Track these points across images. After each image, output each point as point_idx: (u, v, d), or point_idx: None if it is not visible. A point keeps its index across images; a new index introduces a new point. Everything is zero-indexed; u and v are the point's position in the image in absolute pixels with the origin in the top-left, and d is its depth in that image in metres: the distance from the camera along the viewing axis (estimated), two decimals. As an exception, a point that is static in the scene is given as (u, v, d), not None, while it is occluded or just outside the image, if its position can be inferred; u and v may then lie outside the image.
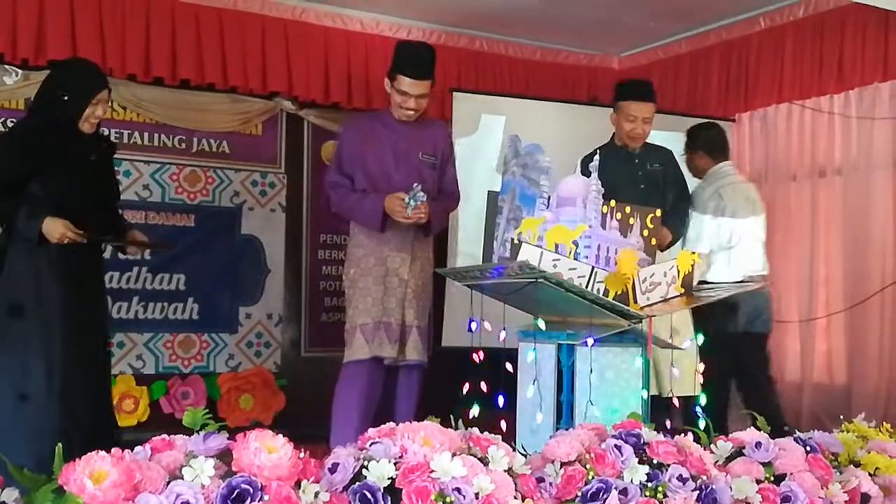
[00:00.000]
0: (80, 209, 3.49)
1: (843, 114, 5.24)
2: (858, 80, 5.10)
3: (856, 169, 5.20)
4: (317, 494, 1.75)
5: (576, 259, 3.07)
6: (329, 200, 4.26)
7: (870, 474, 2.53)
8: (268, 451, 1.71)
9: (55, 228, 3.40)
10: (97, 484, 1.59)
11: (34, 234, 3.40)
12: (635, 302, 3.04)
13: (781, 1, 5.47)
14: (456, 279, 3.59)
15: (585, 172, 3.45)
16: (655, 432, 2.29)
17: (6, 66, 4.90)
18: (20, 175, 3.47)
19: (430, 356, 4.17)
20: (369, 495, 1.79)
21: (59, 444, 1.72)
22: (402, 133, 4.11)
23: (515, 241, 3.13)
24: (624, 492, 2.09)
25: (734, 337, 4.59)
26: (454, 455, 1.90)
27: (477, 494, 1.85)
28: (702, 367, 3.51)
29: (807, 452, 2.45)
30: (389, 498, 1.80)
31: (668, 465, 2.18)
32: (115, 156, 3.90)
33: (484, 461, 1.97)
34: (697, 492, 2.16)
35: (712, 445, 2.44)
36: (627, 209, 3.26)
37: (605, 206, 3.21)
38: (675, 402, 3.40)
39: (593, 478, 2.08)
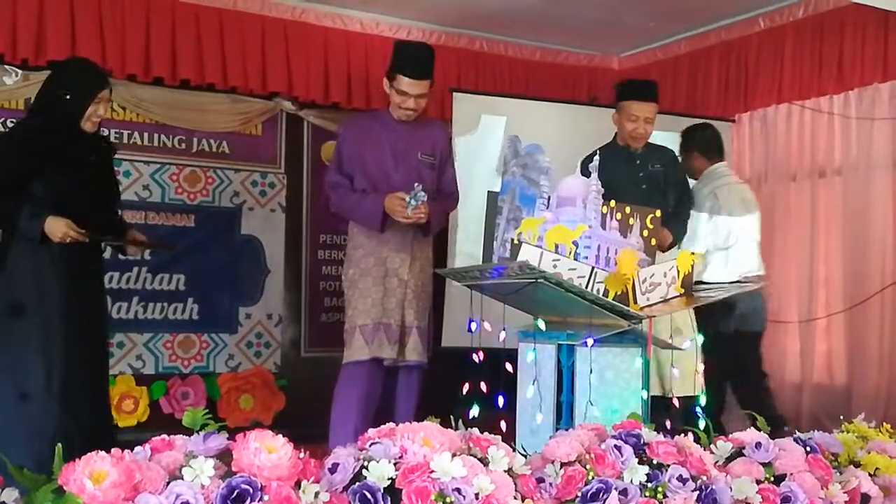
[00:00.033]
0: (79, 209, 3.49)
1: (842, 114, 5.24)
2: (858, 81, 5.10)
3: (856, 169, 5.20)
4: (317, 494, 1.75)
5: (576, 259, 3.07)
6: (328, 200, 4.26)
7: (870, 475, 2.53)
8: (268, 452, 1.71)
9: (57, 227, 3.40)
10: (97, 484, 1.59)
11: (37, 234, 3.41)
12: (635, 302, 3.04)
13: (781, 1, 5.47)
14: (456, 279, 3.59)
15: (585, 173, 3.45)
16: (655, 433, 2.29)
17: (6, 67, 4.90)
18: (20, 175, 3.47)
19: (429, 356, 4.16)
20: (369, 495, 1.79)
21: (59, 445, 1.72)
22: (400, 133, 4.11)
23: (515, 242, 3.13)
24: (624, 492, 2.09)
25: (731, 337, 4.60)
26: (454, 455, 1.90)
27: (477, 495, 1.85)
28: (702, 367, 3.52)
29: (807, 453, 2.45)
30: (389, 498, 1.80)
31: (668, 466, 2.18)
32: (116, 156, 3.90)
33: (484, 461, 1.97)
34: (697, 492, 2.16)
35: (712, 446, 2.44)
36: (627, 209, 3.26)
37: (604, 207, 3.21)
38: (675, 402, 3.41)
39: (593, 478, 2.08)
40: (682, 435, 2.35)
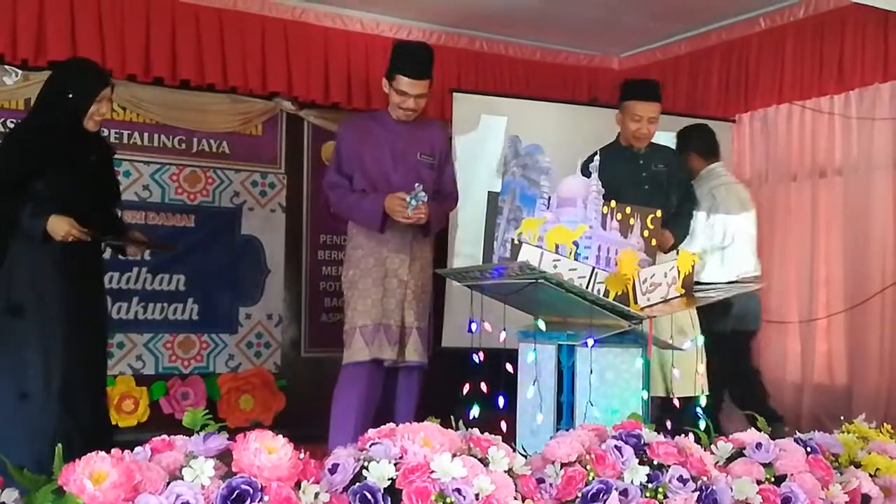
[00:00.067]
0: (80, 209, 3.49)
1: (843, 114, 5.23)
2: (859, 81, 5.10)
3: (856, 169, 5.19)
4: (317, 495, 1.75)
5: (576, 260, 3.06)
6: (328, 201, 4.26)
7: (870, 475, 2.53)
8: (268, 452, 1.71)
9: (60, 226, 3.40)
10: (97, 484, 1.59)
11: (39, 232, 3.41)
12: (635, 303, 3.04)
13: (781, 1, 5.46)
14: (456, 280, 3.59)
15: (586, 174, 3.44)
16: (656, 433, 2.29)
17: (6, 67, 4.90)
18: (21, 175, 3.47)
19: (430, 357, 4.16)
20: (369, 496, 1.79)
21: (59, 445, 1.72)
22: (399, 133, 4.11)
23: (515, 242, 3.12)
24: (624, 493, 2.09)
25: (729, 336, 4.62)
26: (454, 456, 1.90)
27: (477, 495, 1.85)
28: (702, 367, 3.51)
29: (807, 453, 2.44)
30: (389, 498, 1.80)
31: (669, 466, 2.17)
32: (115, 156, 3.90)
33: (484, 462, 1.97)
34: (698, 493, 2.16)
35: (713, 446, 2.44)
36: (628, 210, 3.25)
37: (605, 207, 3.21)
38: (676, 402, 3.40)
39: (593, 479, 2.08)
40: (683, 435, 2.35)
